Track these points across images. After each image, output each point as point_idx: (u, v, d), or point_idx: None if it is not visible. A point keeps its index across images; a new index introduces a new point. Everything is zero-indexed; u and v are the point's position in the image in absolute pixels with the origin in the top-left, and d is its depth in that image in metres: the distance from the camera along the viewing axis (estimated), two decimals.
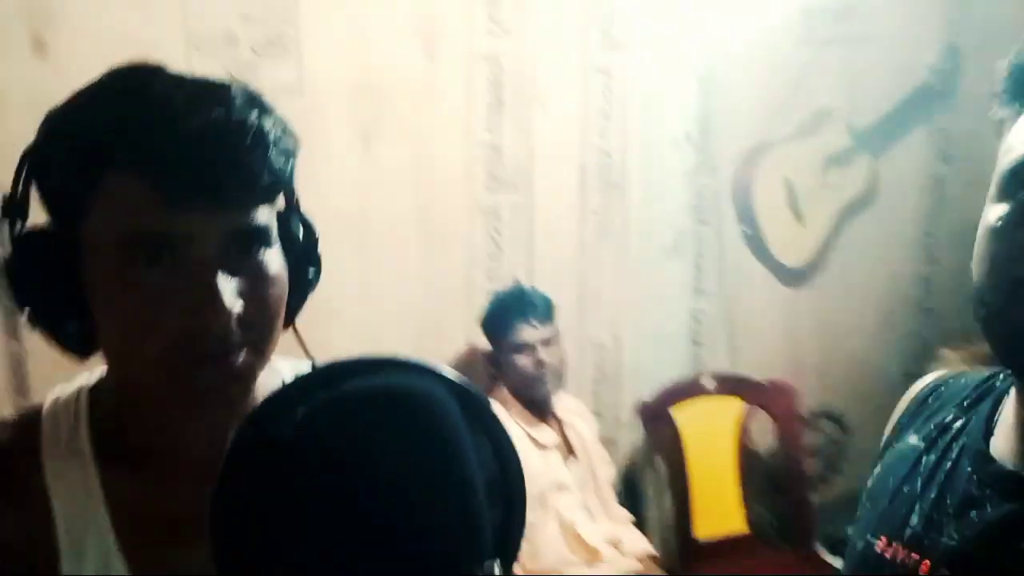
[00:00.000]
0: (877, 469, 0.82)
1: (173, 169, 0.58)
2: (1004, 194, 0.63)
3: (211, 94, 0.61)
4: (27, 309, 0.65)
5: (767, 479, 2.57)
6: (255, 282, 0.63)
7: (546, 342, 1.87)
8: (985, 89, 2.40)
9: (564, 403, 2.01)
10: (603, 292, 2.27)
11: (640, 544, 1.98)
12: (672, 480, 2.22)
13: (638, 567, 1.92)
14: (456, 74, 2.01)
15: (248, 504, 0.47)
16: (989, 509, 0.65)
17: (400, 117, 1.96)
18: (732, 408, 2.29)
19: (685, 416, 2.22)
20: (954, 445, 0.73)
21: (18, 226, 0.64)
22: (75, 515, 0.69)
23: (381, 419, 0.46)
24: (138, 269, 0.60)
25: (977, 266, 0.65)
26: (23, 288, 0.64)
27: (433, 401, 0.48)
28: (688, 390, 2.26)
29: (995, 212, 0.63)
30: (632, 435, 2.36)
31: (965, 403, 0.76)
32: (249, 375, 0.66)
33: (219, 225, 0.61)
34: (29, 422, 0.71)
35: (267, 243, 0.65)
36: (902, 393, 2.92)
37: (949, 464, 0.72)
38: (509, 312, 1.92)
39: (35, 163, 0.65)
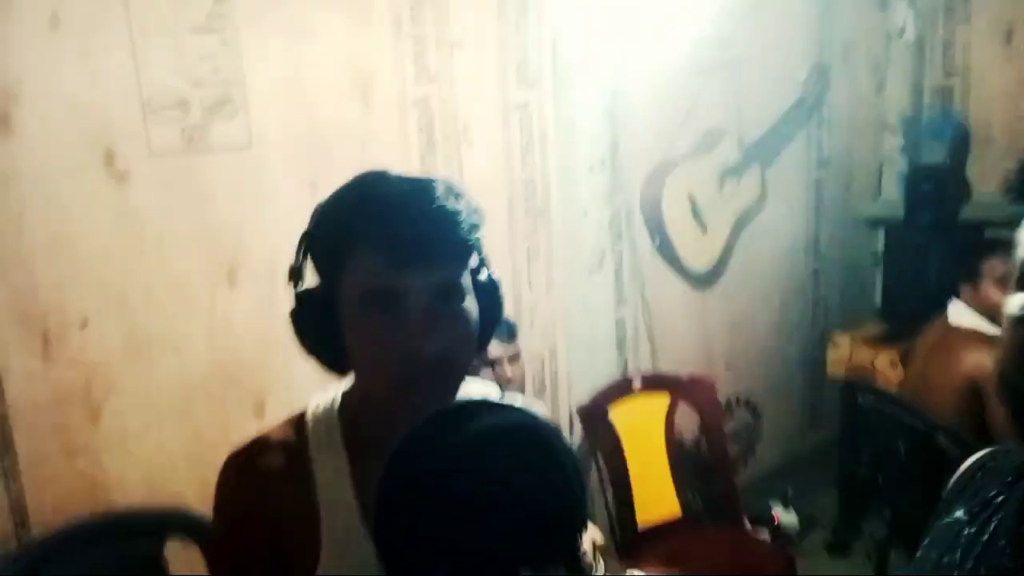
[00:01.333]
0: (926, 540, 0.84)
1: (395, 243, 0.84)
2: (1021, 284, 0.67)
3: (421, 188, 0.88)
4: (305, 344, 0.93)
5: (694, 465, 2.83)
6: (454, 323, 0.89)
7: (512, 358, 2.03)
8: (849, 99, 2.80)
9: None
10: (537, 308, 2.47)
11: (592, 534, 2.18)
12: (613, 474, 2.43)
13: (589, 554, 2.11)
14: (391, 119, 2.17)
15: (409, 502, 0.65)
16: None
17: (343, 163, 2.09)
18: (659, 404, 2.53)
19: (619, 415, 2.44)
20: (994, 519, 0.75)
21: (299, 287, 0.93)
22: (332, 493, 0.96)
23: (520, 445, 0.67)
24: (375, 315, 0.87)
25: (1001, 355, 0.68)
26: (301, 328, 0.93)
27: (547, 429, 0.69)
28: (620, 391, 2.48)
29: (1015, 301, 0.67)
30: (573, 437, 2.57)
31: (1008, 480, 0.78)
32: (449, 391, 0.93)
33: (428, 282, 0.87)
34: (299, 425, 0.99)
35: (462, 294, 0.91)
36: (803, 376, 3.39)
37: (987, 537, 0.74)
38: None
39: (309, 243, 0.92)
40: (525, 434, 0.67)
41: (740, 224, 3.00)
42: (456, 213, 0.88)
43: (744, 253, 3.03)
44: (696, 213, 2.83)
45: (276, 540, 0.96)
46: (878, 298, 3.31)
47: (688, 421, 2.70)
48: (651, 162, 2.72)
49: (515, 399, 1.12)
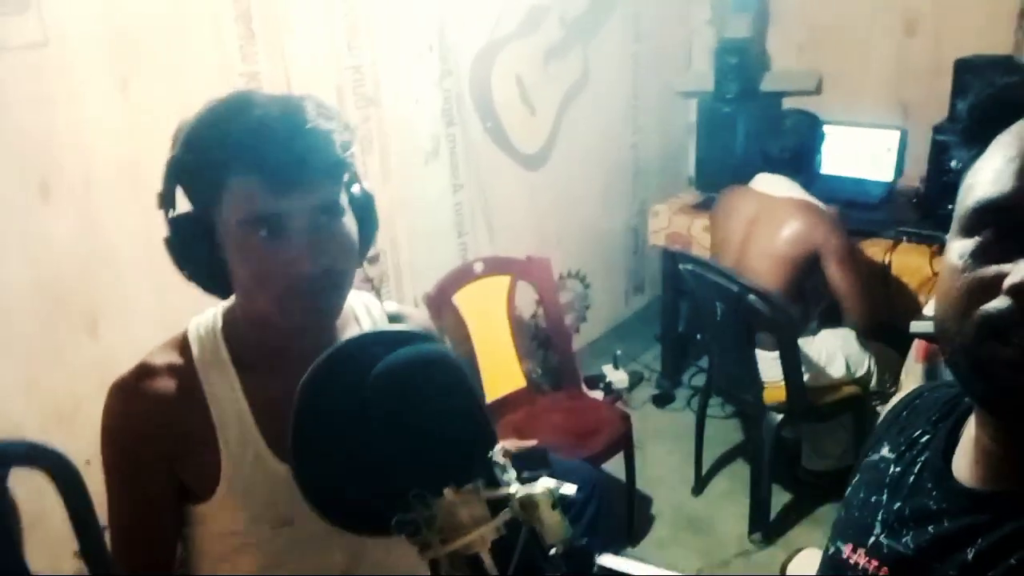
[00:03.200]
0: (854, 479, 0.85)
1: (273, 168, 0.86)
2: (966, 231, 0.63)
3: (293, 109, 0.88)
4: (185, 270, 0.94)
5: (535, 338, 3.00)
6: (336, 240, 0.92)
7: (371, 259, 2.03)
8: None
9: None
10: (377, 199, 2.45)
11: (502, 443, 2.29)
12: (461, 355, 2.53)
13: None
14: (204, 9, 2.01)
15: (325, 420, 0.69)
16: (945, 523, 0.67)
17: (154, 59, 1.94)
18: (501, 284, 2.62)
19: (464, 299, 2.52)
20: (919, 459, 0.75)
21: (170, 213, 0.94)
22: (225, 409, 0.99)
23: (430, 374, 0.70)
24: (258, 237, 0.89)
25: (940, 303, 0.64)
26: (180, 255, 0.94)
27: (456, 360, 0.74)
28: (463, 277, 2.54)
29: (956, 249, 0.63)
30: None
31: (934, 418, 0.78)
32: (336, 307, 0.97)
33: (307, 203, 0.89)
34: (182, 346, 1.02)
35: (341, 212, 0.93)
36: (627, 246, 3.62)
37: (912, 477, 0.75)
38: None
39: (176, 169, 0.92)
40: (439, 364, 0.72)
41: (565, 103, 3.07)
42: (330, 132, 0.90)
43: (570, 131, 3.12)
44: (524, 94, 2.86)
45: (172, 461, 0.99)
46: (692, 168, 3.53)
47: (527, 298, 2.84)
48: (478, 45, 2.70)
49: (411, 314, 1.15)
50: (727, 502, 2.83)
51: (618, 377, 3.32)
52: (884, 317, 2.60)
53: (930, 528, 0.68)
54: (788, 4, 3.38)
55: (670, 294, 3.38)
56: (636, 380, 3.48)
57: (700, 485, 2.90)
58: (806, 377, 2.43)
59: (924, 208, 2.84)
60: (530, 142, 2.95)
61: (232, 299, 1.04)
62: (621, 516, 2.64)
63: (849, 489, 0.84)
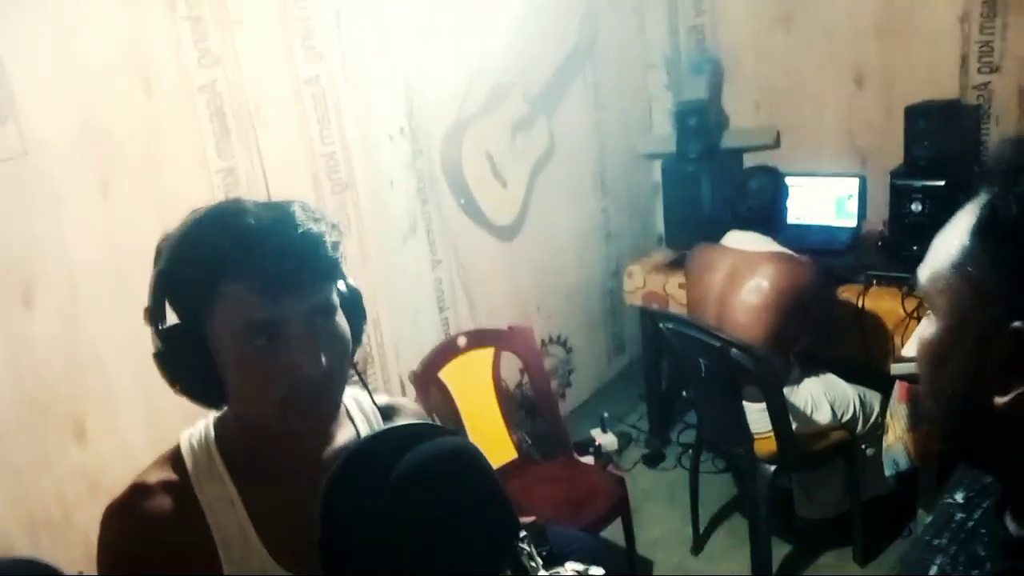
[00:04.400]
0: (927, 519, 0.84)
1: (266, 276, 0.86)
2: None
3: (282, 215, 0.89)
4: (177, 384, 0.92)
5: (522, 408, 3.00)
6: (332, 341, 0.92)
7: None
8: (616, 42, 2.97)
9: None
10: (357, 281, 2.47)
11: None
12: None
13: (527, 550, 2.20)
14: (178, 108, 2.06)
15: (351, 523, 0.69)
16: (988, 568, 0.69)
17: (133, 160, 1.97)
18: (485, 357, 2.64)
19: (450, 375, 2.53)
20: (983, 505, 0.76)
21: (160, 327, 0.91)
22: (224, 523, 0.96)
23: (452, 469, 0.71)
24: (253, 345, 0.88)
25: (930, 375, 0.70)
26: (172, 369, 0.92)
27: (475, 449, 0.75)
28: (447, 352, 2.55)
29: (926, 328, 0.70)
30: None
31: None
32: (336, 407, 0.97)
33: (303, 307, 0.89)
34: (175, 461, 0.98)
35: (335, 311, 0.93)
36: (605, 308, 3.64)
37: (972, 523, 0.75)
38: None
39: (165, 283, 0.90)
40: (460, 458, 0.73)
41: (535, 174, 3.14)
42: (320, 235, 0.91)
43: (541, 200, 3.19)
44: (495, 169, 2.92)
45: None
46: (661, 227, 3.60)
47: (511, 367, 2.85)
48: (446, 124, 2.76)
49: (403, 405, 1.16)
50: (728, 558, 2.81)
51: (607, 440, 3.32)
52: (860, 357, 2.66)
53: (974, 573, 0.69)
54: (741, 64, 3.51)
55: (651, 353, 3.41)
56: (625, 441, 3.48)
57: (699, 543, 2.88)
58: (794, 426, 2.45)
59: (889, 250, 2.92)
60: (503, 214, 3.00)
61: (224, 409, 1.02)
62: None
63: (921, 528, 0.86)
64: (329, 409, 0.97)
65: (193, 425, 1.05)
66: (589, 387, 3.59)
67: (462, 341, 2.59)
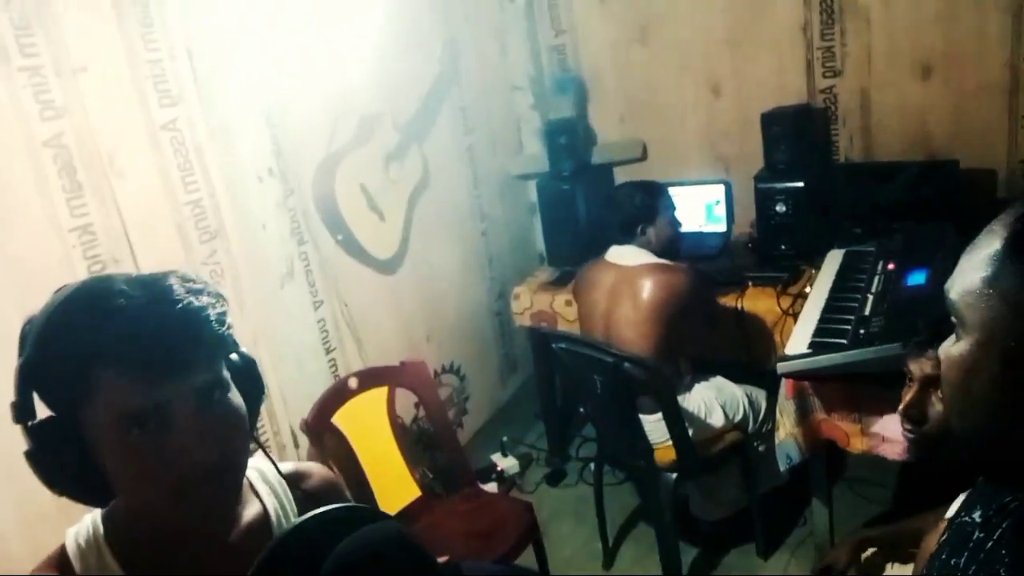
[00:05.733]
0: (943, 536, 0.84)
1: (144, 359, 0.78)
2: (956, 331, 0.69)
3: (158, 291, 0.81)
4: (55, 485, 0.83)
5: (419, 442, 2.93)
6: (225, 418, 0.85)
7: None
8: (480, 67, 2.98)
9: None
10: (235, 331, 2.34)
11: None
12: (349, 479, 2.43)
13: None
14: (23, 167, 1.90)
15: None
16: None
17: None
18: (379, 397, 2.56)
19: (344, 419, 2.43)
20: (1002, 525, 0.75)
21: (29, 423, 0.82)
22: None
23: (384, 559, 0.66)
24: (135, 435, 0.80)
25: (954, 397, 0.70)
26: (46, 468, 0.82)
27: (408, 532, 0.71)
28: (339, 395, 2.46)
29: (949, 347, 0.70)
30: (300, 451, 2.53)
31: None
32: (236, 488, 0.90)
33: (188, 389, 0.81)
34: (62, 564, 0.89)
35: (227, 388, 0.86)
36: (494, 331, 3.65)
37: (991, 543, 0.75)
38: None
39: (30, 373, 0.81)
40: (393, 547, 0.68)
41: (412, 203, 3.10)
42: (202, 309, 0.84)
43: (421, 230, 3.14)
44: (371, 201, 2.86)
45: None
46: (542, 246, 3.62)
47: (406, 402, 2.78)
48: (317, 159, 2.68)
49: (309, 470, 1.08)
50: (638, 568, 2.84)
51: (508, 464, 3.30)
52: (743, 357, 2.75)
53: None
54: (603, 80, 3.59)
55: (543, 371, 3.41)
56: (526, 463, 3.47)
57: (610, 557, 2.89)
58: (690, 432, 2.50)
59: (760, 252, 3.05)
60: (384, 247, 2.94)
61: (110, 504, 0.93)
62: None
63: (936, 547, 0.84)
64: (228, 493, 0.89)
65: (80, 521, 0.95)
66: (485, 412, 3.56)
67: (353, 382, 2.51)
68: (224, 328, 0.86)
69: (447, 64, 3.30)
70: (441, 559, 1.85)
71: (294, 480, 1.06)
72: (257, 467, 1.04)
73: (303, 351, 2.62)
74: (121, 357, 0.79)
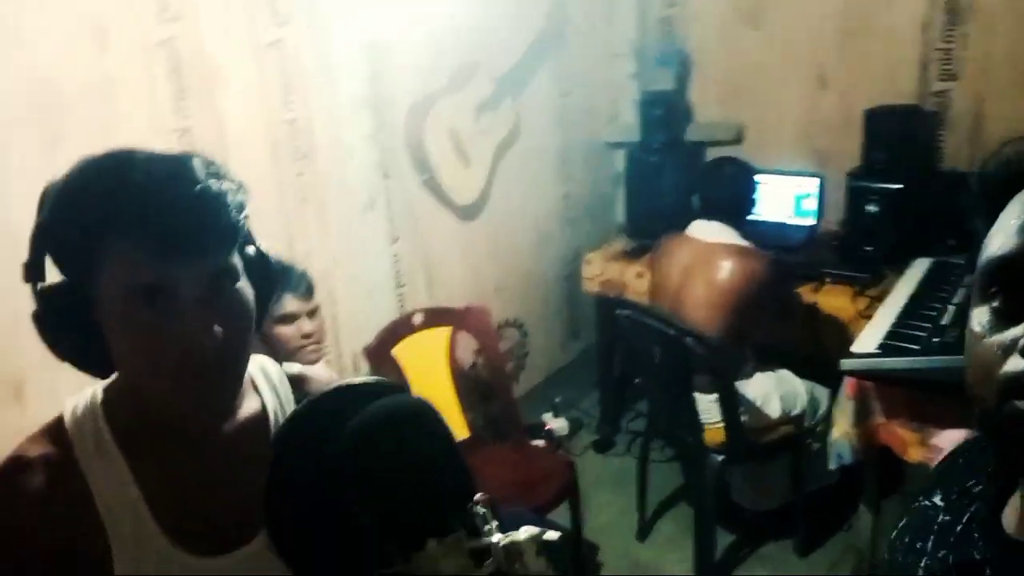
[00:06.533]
0: (901, 522, 0.83)
1: (158, 234, 0.76)
2: (980, 298, 0.65)
3: (179, 169, 0.80)
4: (57, 348, 0.82)
5: (476, 388, 2.98)
6: (230, 309, 0.83)
7: (310, 313, 1.97)
8: (584, 31, 2.96)
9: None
10: (312, 253, 2.42)
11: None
12: None
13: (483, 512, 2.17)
14: (134, 66, 1.99)
15: (299, 483, 0.68)
16: (988, 573, 0.67)
17: (84, 118, 1.90)
18: (440, 336, 2.62)
19: (404, 352, 2.50)
20: (969, 509, 0.74)
21: (39, 285, 0.81)
22: (113, 499, 0.86)
23: (407, 425, 0.69)
24: (142, 310, 0.79)
25: (968, 369, 0.66)
26: (50, 331, 0.81)
27: (427, 407, 0.72)
28: (402, 329, 2.53)
29: (976, 317, 0.65)
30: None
31: (990, 469, 0.76)
32: (237, 380, 0.88)
33: (198, 271, 0.80)
34: (59, 435, 0.88)
35: (237, 277, 0.84)
36: (562, 293, 3.67)
37: (960, 527, 0.74)
38: None
39: (45, 236, 0.81)
40: (416, 414, 0.70)
41: (499, 155, 3.11)
42: (221, 195, 0.81)
43: (504, 182, 3.16)
44: (458, 147, 2.89)
45: (54, 566, 0.85)
46: (621, 216, 3.60)
47: (467, 348, 2.83)
48: (412, 99, 2.72)
49: (314, 375, 1.09)
50: (672, 546, 2.84)
51: (559, 425, 3.33)
52: (811, 353, 2.70)
53: None
54: (708, 59, 3.53)
55: (606, 340, 3.42)
56: (576, 427, 3.49)
57: (645, 530, 2.90)
58: (744, 418, 2.47)
59: (844, 250, 2.96)
60: (466, 193, 2.97)
61: (114, 377, 0.91)
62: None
63: (895, 532, 0.83)
64: (227, 383, 0.87)
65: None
66: (543, 371, 3.59)
67: (418, 318, 2.56)
68: (241, 216, 0.85)
69: (552, 22, 3.28)
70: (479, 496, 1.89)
71: (296, 382, 1.04)
72: (261, 364, 1.03)
73: (374, 281, 2.69)
74: (134, 229, 0.78)
